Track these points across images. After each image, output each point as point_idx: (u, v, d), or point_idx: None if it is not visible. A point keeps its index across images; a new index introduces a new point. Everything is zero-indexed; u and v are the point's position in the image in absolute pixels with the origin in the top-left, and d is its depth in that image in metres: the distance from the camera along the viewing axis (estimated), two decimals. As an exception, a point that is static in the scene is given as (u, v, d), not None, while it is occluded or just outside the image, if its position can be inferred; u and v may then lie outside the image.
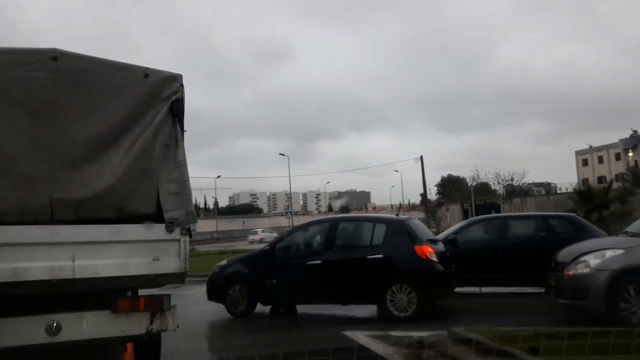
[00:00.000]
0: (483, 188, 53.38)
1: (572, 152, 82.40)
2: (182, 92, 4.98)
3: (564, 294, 7.25)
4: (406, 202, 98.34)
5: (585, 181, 61.22)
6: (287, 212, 68.40)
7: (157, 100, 4.85)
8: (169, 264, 4.64)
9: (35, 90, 4.44)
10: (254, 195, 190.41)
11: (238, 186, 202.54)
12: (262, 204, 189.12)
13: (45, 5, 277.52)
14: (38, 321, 4.25)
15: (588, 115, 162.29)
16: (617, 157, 72.81)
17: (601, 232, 10.79)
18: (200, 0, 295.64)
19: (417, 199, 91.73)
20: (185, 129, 5.02)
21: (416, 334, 6.45)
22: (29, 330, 4.23)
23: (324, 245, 8.99)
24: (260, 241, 41.25)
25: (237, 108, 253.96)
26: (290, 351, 6.11)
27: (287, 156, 63.40)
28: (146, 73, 4.87)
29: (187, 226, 4.75)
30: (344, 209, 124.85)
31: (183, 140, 4.91)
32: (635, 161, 64.91)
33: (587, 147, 78.07)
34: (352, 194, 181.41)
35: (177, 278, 4.72)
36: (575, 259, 7.15)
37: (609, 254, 6.97)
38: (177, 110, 4.90)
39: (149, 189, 4.70)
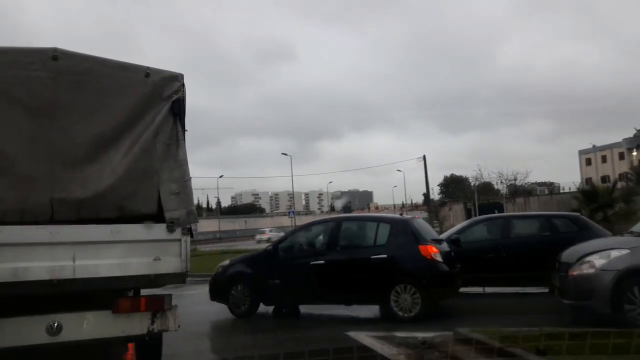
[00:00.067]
0: (486, 188, 53.22)
1: (575, 152, 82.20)
2: (183, 91, 4.97)
3: (569, 295, 7.20)
4: (409, 202, 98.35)
5: (588, 180, 60.98)
6: (289, 212, 68.37)
7: (158, 100, 4.84)
8: (170, 264, 4.63)
9: (36, 90, 4.43)
10: (256, 195, 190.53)
11: (240, 186, 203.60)
12: (264, 203, 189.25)
13: (47, 5, 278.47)
14: (39, 321, 4.25)
15: (591, 115, 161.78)
16: (621, 156, 72.56)
17: (605, 231, 10.71)
18: (201, 0, 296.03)
19: (419, 199, 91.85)
20: (186, 128, 5.00)
21: (421, 335, 6.41)
22: (30, 331, 4.22)
23: (327, 245, 8.96)
24: (268, 241, 41.24)
25: (239, 108, 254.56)
26: (292, 351, 6.07)
27: (290, 156, 63.24)
28: (147, 72, 4.85)
29: (188, 226, 4.73)
30: (347, 208, 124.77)
31: (184, 139, 4.90)
32: (639, 160, 64.69)
33: (591, 146, 77.93)
34: (354, 193, 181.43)
35: (178, 278, 4.70)
36: (580, 259, 7.09)
37: (614, 254, 6.90)
38: (178, 110, 4.89)
39: (150, 188, 4.68)
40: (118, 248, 4.47)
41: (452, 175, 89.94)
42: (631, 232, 8.04)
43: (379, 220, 9.49)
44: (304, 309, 9.61)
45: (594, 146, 77.47)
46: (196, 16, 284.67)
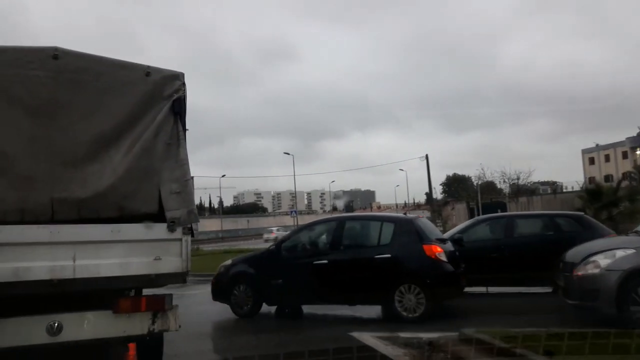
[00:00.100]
0: (489, 187, 53.19)
1: (578, 151, 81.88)
2: (184, 90, 4.95)
3: (573, 295, 7.13)
4: (411, 201, 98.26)
5: (592, 180, 60.87)
6: (291, 211, 68.37)
7: (158, 99, 4.82)
8: (171, 263, 4.61)
9: (36, 89, 4.42)
10: (258, 195, 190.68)
11: (242, 185, 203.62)
12: (266, 203, 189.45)
13: (49, 5, 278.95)
14: (39, 321, 4.24)
15: (594, 114, 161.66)
16: (624, 155, 72.24)
17: (610, 231, 10.66)
18: (202, 0, 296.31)
19: (422, 198, 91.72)
20: (187, 127, 4.99)
21: (425, 336, 6.35)
22: (30, 331, 4.21)
23: (331, 244, 8.90)
24: (276, 240, 41.20)
25: (242, 107, 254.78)
26: (295, 352, 6.03)
27: (292, 155, 63.35)
28: (148, 71, 4.84)
29: (189, 225, 4.72)
30: (349, 207, 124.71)
31: (185, 139, 4.88)
32: (643, 159, 64.47)
33: (594, 145, 77.70)
34: (356, 193, 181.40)
35: (179, 278, 4.69)
36: (585, 259, 7.02)
37: (619, 253, 6.84)
38: (178, 109, 4.87)
39: (150, 188, 4.67)
40: (118, 248, 4.45)
41: (454, 174, 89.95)
42: (636, 232, 7.97)
43: (382, 219, 9.43)
44: (306, 309, 9.56)
45: (597, 145, 77.18)
46: (197, 16, 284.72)
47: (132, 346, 4.86)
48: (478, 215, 29.92)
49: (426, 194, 66.05)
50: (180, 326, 4.76)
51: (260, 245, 31.83)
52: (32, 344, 4.20)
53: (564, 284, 7.40)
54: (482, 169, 50.87)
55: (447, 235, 10.93)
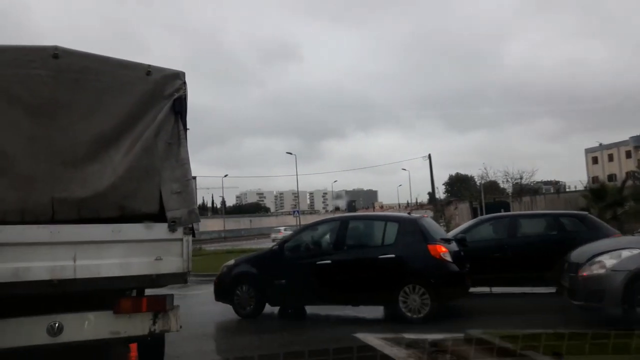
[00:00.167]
0: (492, 186, 53.01)
1: (581, 150, 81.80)
2: (185, 89, 4.93)
3: (578, 296, 7.05)
4: (414, 201, 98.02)
5: (595, 179, 60.66)
6: (294, 211, 68.29)
7: (159, 98, 4.79)
8: (172, 263, 4.58)
9: (36, 88, 4.40)
10: (261, 195, 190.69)
11: (245, 185, 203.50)
12: (269, 203, 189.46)
13: (50, 4, 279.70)
14: (39, 322, 4.23)
15: (598, 113, 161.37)
16: (628, 154, 72.06)
17: (614, 230, 10.58)
18: (204, 0, 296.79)
19: (424, 198, 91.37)
20: (188, 127, 4.95)
21: (430, 337, 6.29)
22: (31, 331, 4.20)
23: (334, 244, 8.84)
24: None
25: (244, 107, 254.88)
26: (297, 352, 5.98)
27: (294, 155, 63.34)
28: (148, 70, 4.81)
29: (190, 225, 4.69)
30: (351, 207, 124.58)
31: (186, 138, 4.85)
32: (647, 158, 64.23)
33: (597, 144, 77.50)
34: (359, 192, 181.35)
35: (180, 278, 4.66)
36: (590, 259, 6.95)
37: (625, 254, 6.77)
38: (179, 108, 4.84)
39: (151, 187, 4.64)
40: (119, 248, 4.43)
41: (457, 174, 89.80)
42: (642, 232, 7.91)
43: (386, 219, 9.36)
44: (310, 309, 9.51)
45: (600, 144, 77.03)
46: (199, 16, 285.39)
47: (133, 347, 4.82)
48: (481, 214, 29.85)
49: (429, 193, 65.90)
50: (181, 326, 4.74)
51: (267, 244, 31.85)
52: (32, 345, 4.19)
53: (569, 285, 7.32)
54: (485, 169, 50.69)
55: (450, 235, 10.87)
